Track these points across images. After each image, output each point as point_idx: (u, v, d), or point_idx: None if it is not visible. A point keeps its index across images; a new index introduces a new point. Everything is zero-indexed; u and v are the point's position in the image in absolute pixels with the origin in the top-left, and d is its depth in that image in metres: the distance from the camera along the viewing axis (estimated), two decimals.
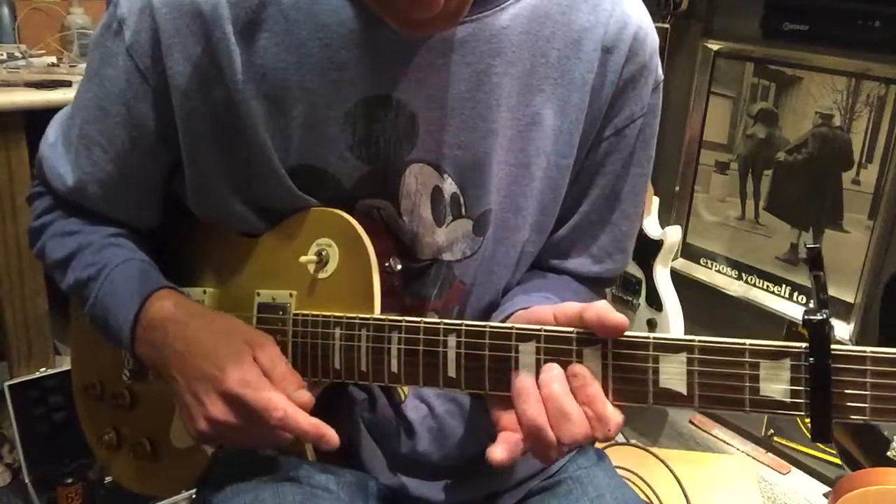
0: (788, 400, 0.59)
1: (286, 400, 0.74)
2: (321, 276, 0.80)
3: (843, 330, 1.86)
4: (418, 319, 0.73)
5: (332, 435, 0.75)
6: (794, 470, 2.04)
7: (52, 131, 0.91)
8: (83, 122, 0.84)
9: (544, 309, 0.71)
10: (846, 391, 0.58)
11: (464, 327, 0.70)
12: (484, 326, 0.70)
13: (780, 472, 2.03)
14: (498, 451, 0.67)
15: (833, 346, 0.57)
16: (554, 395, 0.65)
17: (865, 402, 0.58)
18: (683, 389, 0.60)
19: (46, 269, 0.94)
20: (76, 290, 0.88)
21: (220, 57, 0.75)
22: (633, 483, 1.77)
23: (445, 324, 0.71)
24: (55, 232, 0.90)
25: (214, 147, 0.79)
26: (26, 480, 1.83)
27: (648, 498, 1.77)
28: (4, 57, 2.06)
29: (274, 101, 0.77)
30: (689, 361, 0.60)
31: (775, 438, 2.09)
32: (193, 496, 0.94)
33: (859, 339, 1.84)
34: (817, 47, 1.85)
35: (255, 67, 0.76)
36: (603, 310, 0.64)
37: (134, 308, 0.82)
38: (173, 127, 0.79)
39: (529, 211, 0.85)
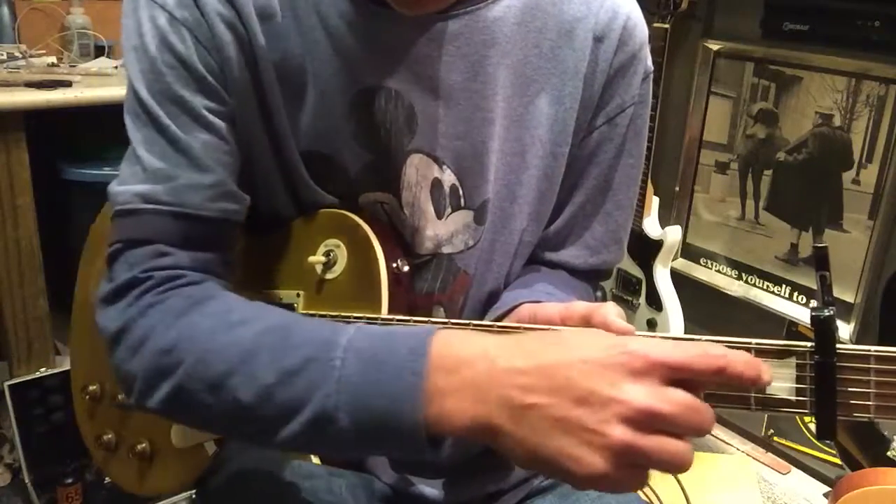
0: (793, 398, 0.59)
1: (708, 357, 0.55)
2: (329, 276, 0.80)
3: (843, 330, 1.86)
4: (425, 319, 0.73)
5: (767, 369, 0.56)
6: (794, 470, 2.04)
7: (136, 179, 0.73)
8: (171, 122, 0.73)
9: (550, 307, 0.71)
10: (850, 389, 0.58)
11: (471, 327, 0.70)
12: (492, 326, 0.70)
13: (780, 472, 2.03)
14: None
15: (838, 346, 0.58)
16: None
17: (869, 401, 0.58)
18: None
19: (197, 395, 0.64)
20: (275, 390, 0.61)
21: (252, 35, 0.75)
22: None
23: (453, 323, 0.71)
24: (208, 331, 0.66)
25: (259, 124, 0.79)
26: (26, 480, 1.83)
27: (648, 498, 1.77)
28: (4, 57, 2.06)
29: (289, 86, 0.78)
30: None
31: (775, 438, 2.10)
32: (193, 496, 0.94)
33: (859, 339, 1.84)
34: (817, 47, 1.85)
35: (274, 51, 0.76)
36: (610, 317, 0.64)
37: (420, 363, 0.58)
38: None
39: (526, 200, 0.86)
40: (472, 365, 0.57)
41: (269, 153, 0.81)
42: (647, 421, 0.53)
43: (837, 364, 0.58)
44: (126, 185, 0.73)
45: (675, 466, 0.54)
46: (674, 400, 0.53)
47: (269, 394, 0.61)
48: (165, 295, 0.69)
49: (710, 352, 0.55)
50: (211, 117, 0.74)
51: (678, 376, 0.54)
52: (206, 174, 0.73)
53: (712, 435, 2.18)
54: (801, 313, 1.98)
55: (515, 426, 0.55)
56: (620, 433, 0.52)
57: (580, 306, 0.68)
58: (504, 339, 0.59)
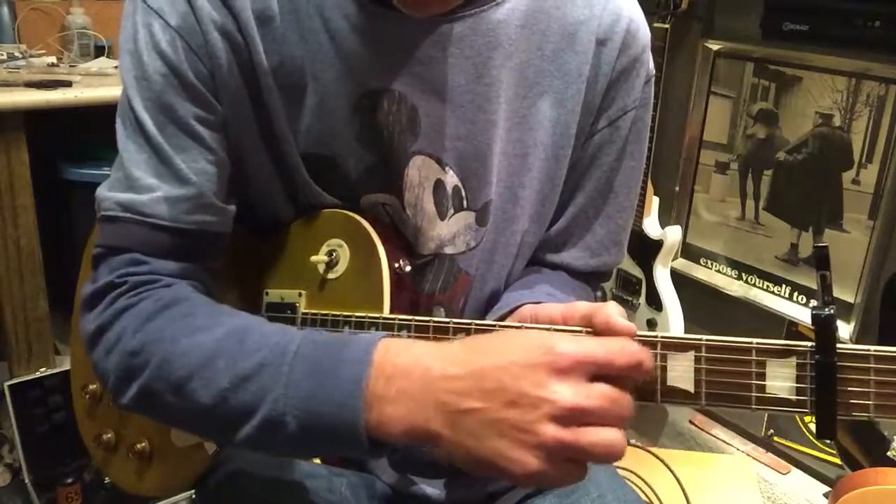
0: (794, 398, 0.59)
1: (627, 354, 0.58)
2: (331, 276, 0.80)
3: (843, 330, 1.86)
4: (427, 319, 0.73)
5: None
6: (794, 470, 2.04)
7: (120, 186, 0.76)
8: (158, 132, 0.74)
9: (551, 307, 0.71)
10: (850, 388, 0.58)
11: (473, 326, 0.70)
12: (493, 326, 0.70)
13: (780, 472, 2.03)
14: None
15: (838, 345, 0.58)
16: None
17: (869, 400, 0.58)
18: (690, 388, 0.61)
19: (162, 395, 0.68)
20: (230, 394, 0.64)
21: (249, 39, 0.76)
22: (633, 483, 1.78)
23: (455, 323, 0.71)
24: (173, 335, 0.69)
25: (254, 130, 0.80)
26: (26, 480, 1.83)
27: (648, 498, 1.77)
28: (4, 57, 2.06)
29: (289, 89, 0.78)
30: (697, 360, 0.60)
31: (775, 438, 2.10)
32: (193, 496, 0.94)
33: (859, 338, 1.84)
34: (817, 47, 1.85)
35: (273, 55, 0.77)
36: (612, 317, 0.64)
37: (363, 371, 0.61)
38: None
39: (528, 201, 0.86)
40: (409, 373, 0.60)
41: (266, 157, 0.81)
42: (575, 416, 0.56)
43: (837, 364, 0.58)
44: (111, 190, 0.76)
45: (609, 456, 0.56)
46: (598, 394, 0.56)
47: (225, 397, 0.64)
48: (138, 298, 0.72)
49: (628, 348, 0.58)
50: (199, 126, 0.76)
51: (601, 372, 0.57)
52: (185, 186, 0.75)
53: (712, 435, 2.18)
54: (801, 313, 1.97)
55: (452, 431, 0.58)
56: (552, 431, 0.55)
57: (582, 306, 0.68)
58: (440, 347, 0.61)
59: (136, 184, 0.74)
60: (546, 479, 0.56)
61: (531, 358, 0.57)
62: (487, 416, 0.57)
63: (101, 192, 0.77)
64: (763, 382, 0.59)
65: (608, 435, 0.56)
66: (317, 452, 0.71)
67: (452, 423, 0.58)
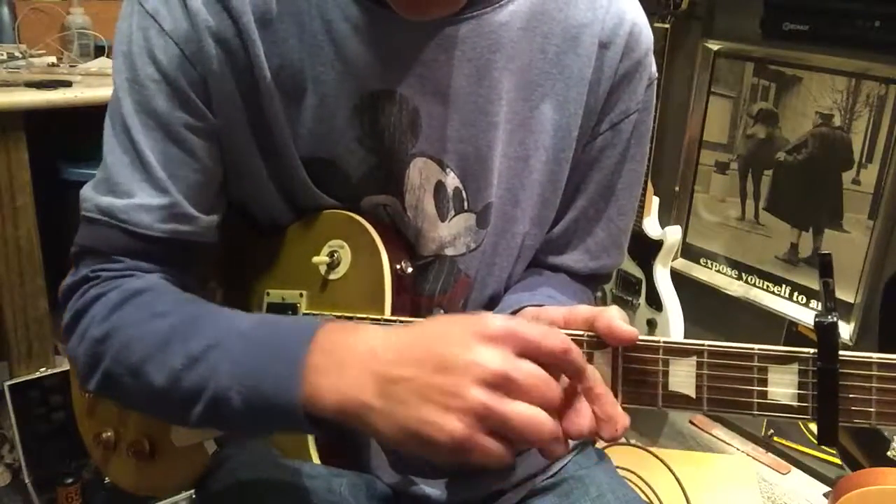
0: (795, 404, 0.59)
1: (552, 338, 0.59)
2: (332, 277, 0.80)
3: (843, 330, 1.86)
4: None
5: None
6: (794, 470, 2.04)
7: (102, 188, 0.77)
8: (143, 138, 0.75)
9: (553, 310, 0.71)
10: (852, 396, 0.58)
11: None
12: None
13: (780, 472, 2.03)
14: None
15: (840, 352, 0.58)
16: (562, 384, 0.65)
17: (871, 407, 0.58)
18: (692, 393, 0.61)
19: (121, 378, 0.71)
20: (182, 374, 0.67)
21: (248, 43, 0.75)
22: (634, 483, 1.78)
23: None
24: (134, 321, 0.72)
25: (248, 135, 0.79)
26: (26, 480, 1.83)
27: (648, 498, 1.77)
28: (4, 57, 2.06)
29: (288, 92, 0.78)
30: (699, 365, 0.61)
31: (775, 438, 2.10)
32: (193, 496, 0.94)
33: (859, 339, 1.84)
34: (817, 47, 1.85)
35: (273, 57, 0.76)
36: (615, 321, 0.64)
37: (303, 346, 0.63)
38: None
39: (529, 204, 0.86)
40: (350, 348, 0.62)
41: (262, 162, 0.81)
42: (502, 385, 0.56)
43: (840, 371, 0.58)
44: (94, 191, 0.77)
45: (534, 432, 0.56)
46: (527, 370, 0.57)
47: (178, 378, 0.67)
48: (108, 288, 0.75)
49: (558, 334, 0.59)
50: (187, 134, 0.76)
51: (528, 350, 0.58)
52: (161, 195, 0.76)
53: (712, 435, 2.18)
54: (801, 313, 1.97)
55: (383, 401, 0.58)
56: (477, 394, 0.56)
57: (583, 309, 0.68)
58: (383, 328, 0.63)
59: (116, 188, 0.76)
60: (470, 449, 0.56)
61: (463, 325, 0.58)
62: (418, 383, 0.57)
63: (86, 191, 0.78)
64: (765, 388, 0.59)
65: (535, 411, 0.56)
66: (263, 429, 0.72)
67: (383, 393, 0.58)
